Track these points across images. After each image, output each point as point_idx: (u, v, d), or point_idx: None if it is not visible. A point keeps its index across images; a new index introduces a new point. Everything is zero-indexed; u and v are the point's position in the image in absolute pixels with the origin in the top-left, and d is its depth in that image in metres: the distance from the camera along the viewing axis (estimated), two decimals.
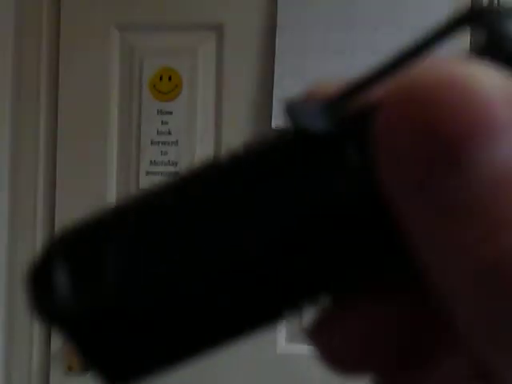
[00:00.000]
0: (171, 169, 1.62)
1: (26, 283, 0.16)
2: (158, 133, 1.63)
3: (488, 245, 0.13)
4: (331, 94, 0.17)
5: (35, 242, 1.65)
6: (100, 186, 1.64)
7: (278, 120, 1.55)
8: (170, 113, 1.63)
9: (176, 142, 1.62)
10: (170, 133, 1.62)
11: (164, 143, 1.62)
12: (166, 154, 1.62)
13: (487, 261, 0.13)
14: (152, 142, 1.63)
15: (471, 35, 0.16)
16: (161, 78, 1.63)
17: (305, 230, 0.15)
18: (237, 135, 1.60)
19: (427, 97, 0.14)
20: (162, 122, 1.63)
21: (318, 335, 0.16)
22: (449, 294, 0.14)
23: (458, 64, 0.14)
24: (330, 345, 0.16)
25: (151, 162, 1.62)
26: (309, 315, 0.17)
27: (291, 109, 0.18)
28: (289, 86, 1.56)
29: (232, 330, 0.16)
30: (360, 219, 0.15)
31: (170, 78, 1.63)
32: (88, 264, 0.16)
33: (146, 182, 1.63)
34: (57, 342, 1.64)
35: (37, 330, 1.65)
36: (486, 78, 0.14)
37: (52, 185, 1.66)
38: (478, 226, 0.13)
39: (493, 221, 0.13)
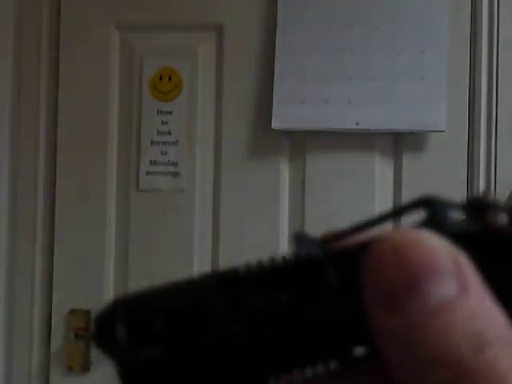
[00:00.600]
0: (171, 169, 1.62)
1: (94, 330, 0.22)
2: (158, 133, 1.62)
3: (431, 374, 0.20)
4: (327, 236, 0.25)
5: (35, 242, 1.65)
6: (100, 185, 1.64)
7: (278, 120, 1.55)
8: (170, 113, 1.63)
9: (176, 142, 1.62)
10: (170, 133, 1.62)
11: (164, 143, 1.62)
12: (165, 153, 1.62)
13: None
14: (152, 142, 1.63)
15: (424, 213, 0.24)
16: (161, 78, 1.63)
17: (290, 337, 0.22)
18: (237, 135, 1.60)
19: (400, 252, 0.21)
20: (161, 122, 1.63)
21: None
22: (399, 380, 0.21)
23: (417, 231, 0.22)
24: None
25: (151, 161, 1.62)
26: None
27: (298, 238, 0.24)
28: (289, 85, 1.56)
29: None
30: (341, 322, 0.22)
31: (169, 78, 1.63)
32: (141, 324, 0.22)
33: (146, 182, 1.63)
34: (57, 341, 1.64)
35: (37, 330, 1.65)
36: (436, 241, 0.21)
37: (52, 185, 1.66)
38: (422, 356, 0.20)
39: (430, 354, 0.20)
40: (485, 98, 1.55)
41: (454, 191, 1.55)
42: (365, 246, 0.22)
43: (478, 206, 0.23)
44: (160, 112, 1.63)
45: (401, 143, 1.57)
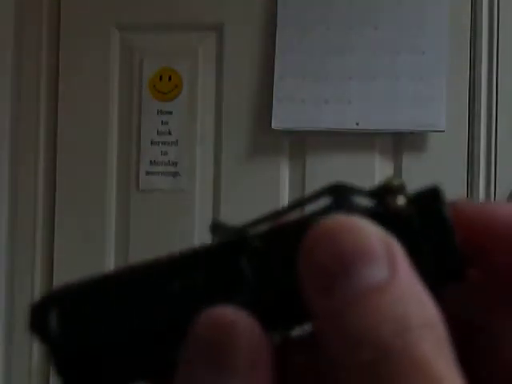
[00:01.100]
0: (171, 169, 1.62)
1: (28, 318, 0.24)
2: (158, 133, 1.62)
3: (353, 355, 0.21)
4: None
5: (35, 242, 1.65)
6: (100, 185, 1.64)
7: (278, 120, 1.55)
8: (170, 113, 1.63)
9: (176, 142, 1.62)
10: (170, 133, 1.62)
11: (164, 143, 1.62)
12: (165, 154, 1.62)
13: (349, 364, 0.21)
14: (152, 142, 1.63)
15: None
16: (161, 78, 1.63)
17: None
18: (237, 135, 1.60)
19: (333, 235, 0.22)
20: (161, 122, 1.63)
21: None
22: (326, 350, 0.21)
23: (350, 217, 0.22)
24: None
25: (151, 161, 1.62)
26: None
27: (214, 226, 0.25)
28: (289, 85, 1.56)
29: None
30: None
31: (169, 78, 1.63)
32: (70, 313, 0.24)
33: (146, 182, 1.63)
34: None
35: None
36: (369, 225, 0.22)
37: (52, 185, 1.66)
38: (347, 338, 0.21)
39: (354, 336, 0.21)
40: (485, 98, 1.55)
41: (454, 191, 1.55)
42: (278, 231, 0.24)
43: (382, 191, 0.25)
44: (160, 112, 1.63)
45: (401, 143, 1.57)
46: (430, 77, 1.53)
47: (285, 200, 1.59)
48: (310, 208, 0.25)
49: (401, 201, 0.25)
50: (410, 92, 1.53)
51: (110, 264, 1.63)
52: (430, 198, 0.25)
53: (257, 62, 1.60)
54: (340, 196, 0.25)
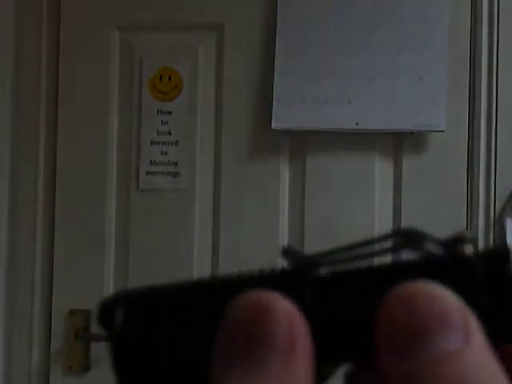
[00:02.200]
0: (171, 169, 1.62)
1: (97, 313, 0.26)
2: (158, 133, 1.62)
3: None
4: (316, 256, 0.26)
5: (35, 242, 1.65)
6: (100, 185, 1.64)
7: (278, 120, 1.55)
8: (170, 113, 1.63)
9: (176, 142, 1.62)
10: (170, 133, 1.62)
11: (164, 143, 1.62)
12: (165, 154, 1.62)
13: None
14: (152, 142, 1.63)
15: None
16: (161, 78, 1.63)
17: None
18: (237, 135, 1.60)
19: (412, 302, 0.22)
20: (161, 122, 1.63)
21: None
22: None
23: (429, 283, 0.23)
24: None
25: (151, 161, 1.62)
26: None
27: (286, 251, 0.26)
28: (289, 85, 1.56)
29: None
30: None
31: (169, 78, 1.63)
32: (135, 313, 0.26)
33: (146, 182, 1.63)
34: (57, 341, 1.64)
35: (37, 330, 1.65)
36: (446, 293, 0.22)
37: (52, 185, 1.66)
38: None
39: None
40: (485, 98, 1.55)
41: (454, 191, 1.55)
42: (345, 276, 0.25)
43: (453, 241, 0.25)
44: (160, 112, 1.63)
45: (401, 143, 1.57)
46: (430, 77, 1.53)
47: (285, 200, 1.59)
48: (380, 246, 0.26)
49: (469, 252, 0.25)
50: (410, 92, 1.53)
51: (109, 264, 1.63)
52: (500, 256, 0.25)
53: (257, 62, 1.60)
54: (410, 241, 0.26)
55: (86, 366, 1.63)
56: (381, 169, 1.57)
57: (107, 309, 0.26)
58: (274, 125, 1.55)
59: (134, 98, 1.64)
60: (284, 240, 1.58)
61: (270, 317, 0.22)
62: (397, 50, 1.54)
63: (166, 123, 1.63)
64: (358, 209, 1.56)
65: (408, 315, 0.22)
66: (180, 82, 1.63)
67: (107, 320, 0.26)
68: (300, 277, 0.25)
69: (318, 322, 0.24)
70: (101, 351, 1.63)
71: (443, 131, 1.52)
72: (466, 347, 0.22)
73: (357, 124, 1.54)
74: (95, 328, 1.63)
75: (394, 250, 0.26)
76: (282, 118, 1.55)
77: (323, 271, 0.25)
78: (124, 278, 1.63)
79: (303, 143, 1.59)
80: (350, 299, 0.24)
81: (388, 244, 0.26)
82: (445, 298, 0.22)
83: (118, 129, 1.65)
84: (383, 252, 0.26)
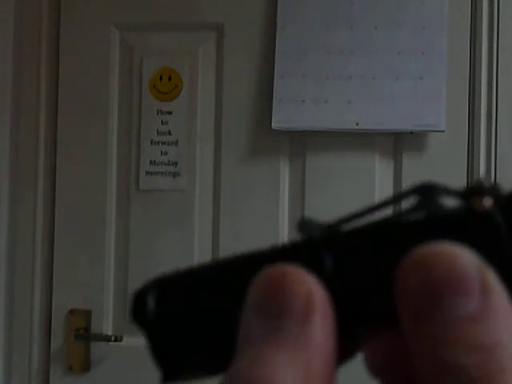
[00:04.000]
0: (171, 169, 1.62)
1: (131, 299, 0.26)
2: (158, 133, 1.63)
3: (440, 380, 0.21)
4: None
5: (35, 242, 1.65)
6: (100, 185, 1.64)
7: (278, 120, 1.55)
8: (170, 113, 1.63)
9: (176, 142, 1.62)
10: (170, 133, 1.62)
11: (164, 143, 1.62)
12: (165, 153, 1.62)
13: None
14: (152, 142, 1.63)
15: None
16: (161, 78, 1.63)
17: None
18: (237, 135, 1.60)
19: (430, 264, 0.22)
20: (162, 121, 1.63)
21: (366, 350, 0.25)
22: (414, 354, 0.22)
23: (447, 245, 0.23)
24: (370, 356, 0.25)
25: (151, 161, 1.62)
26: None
27: (302, 223, 0.25)
28: (289, 85, 1.56)
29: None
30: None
31: (169, 78, 1.63)
32: (165, 300, 0.26)
33: (146, 182, 1.63)
34: (57, 341, 1.64)
35: (37, 330, 1.65)
36: (465, 255, 0.22)
37: (52, 185, 1.66)
38: (436, 363, 0.22)
39: (442, 363, 0.21)
40: (485, 98, 1.55)
41: None
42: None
43: (470, 192, 0.24)
44: (160, 112, 1.63)
45: (401, 143, 1.57)
46: (430, 77, 1.53)
47: (285, 200, 1.59)
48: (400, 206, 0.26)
49: (488, 202, 0.24)
50: (410, 92, 1.53)
51: (109, 264, 1.63)
52: None
53: (257, 62, 1.60)
54: (428, 196, 0.25)
55: (86, 366, 1.63)
56: (381, 169, 1.57)
57: (139, 299, 0.26)
58: (273, 125, 1.55)
59: (134, 98, 1.64)
60: (284, 239, 1.58)
61: (286, 287, 0.23)
62: (397, 50, 1.54)
63: (166, 123, 1.63)
64: (358, 209, 1.56)
65: (424, 279, 0.22)
66: (180, 82, 1.63)
67: (139, 309, 0.26)
68: (318, 247, 0.25)
69: (339, 289, 0.24)
70: (101, 351, 1.63)
71: (443, 131, 1.52)
72: (486, 308, 0.22)
73: (357, 124, 1.54)
74: (95, 328, 1.63)
75: (412, 208, 0.25)
76: (282, 118, 1.55)
77: (341, 238, 0.25)
78: (124, 278, 1.63)
79: (303, 143, 1.59)
80: (368, 264, 0.24)
81: (407, 202, 0.26)
82: (462, 258, 0.22)
83: (118, 129, 1.65)
84: (401, 213, 0.25)
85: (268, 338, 0.22)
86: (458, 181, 1.54)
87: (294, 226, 0.25)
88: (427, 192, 0.25)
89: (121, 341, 1.61)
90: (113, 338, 1.61)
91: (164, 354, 0.26)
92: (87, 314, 1.62)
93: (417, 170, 1.56)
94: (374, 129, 1.54)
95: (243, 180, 1.60)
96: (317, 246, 0.25)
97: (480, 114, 1.55)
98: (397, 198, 0.26)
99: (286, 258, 0.24)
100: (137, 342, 1.62)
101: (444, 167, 1.55)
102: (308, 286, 0.23)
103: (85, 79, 1.64)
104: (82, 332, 1.62)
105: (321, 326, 0.22)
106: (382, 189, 1.56)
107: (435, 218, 0.24)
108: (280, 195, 1.59)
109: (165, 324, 0.26)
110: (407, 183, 1.56)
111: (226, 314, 0.25)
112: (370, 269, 0.24)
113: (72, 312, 1.63)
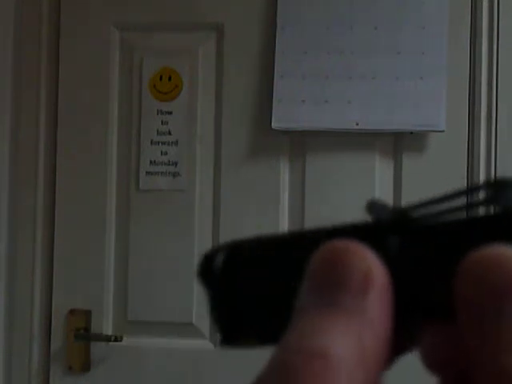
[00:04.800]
0: (171, 169, 1.62)
1: (200, 257, 0.27)
2: (158, 133, 1.63)
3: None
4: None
5: (35, 242, 1.65)
6: (100, 185, 1.64)
7: (278, 120, 1.55)
8: (170, 113, 1.63)
9: (176, 142, 1.62)
10: (170, 133, 1.62)
11: (164, 143, 1.62)
12: (165, 153, 1.62)
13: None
14: (152, 142, 1.63)
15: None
16: (161, 78, 1.63)
17: None
18: (237, 135, 1.60)
19: (486, 270, 0.22)
20: (162, 121, 1.63)
21: (423, 345, 0.25)
22: (470, 349, 0.22)
23: (506, 248, 0.22)
24: (427, 351, 0.25)
25: (151, 161, 1.62)
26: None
27: (371, 205, 0.26)
28: (289, 85, 1.56)
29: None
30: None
31: (169, 78, 1.63)
32: (233, 262, 0.27)
33: (146, 182, 1.63)
34: (57, 341, 1.64)
35: (37, 330, 1.65)
36: None
37: (52, 185, 1.66)
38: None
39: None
40: (485, 98, 1.55)
41: None
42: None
43: None
44: (160, 112, 1.63)
45: (401, 143, 1.57)
46: (430, 77, 1.53)
47: (285, 200, 1.59)
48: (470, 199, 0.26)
49: None
50: (410, 92, 1.53)
51: (110, 264, 1.63)
52: None
53: (257, 62, 1.60)
54: (499, 191, 0.25)
55: (86, 366, 1.63)
56: (381, 169, 1.57)
57: (208, 258, 0.27)
58: (273, 125, 1.55)
59: (134, 97, 1.64)
60: None
61: (347, 260, 0.23)
62: (397, 50, 1.54)
63: (166, 123, 1.63)
64: (358, 209, 1.56)
65: (488, 282, 0.22)
66: (180, 82, 1.63)
67: (208, 268, 0.27)
68: (384, 229, 0.25)
69: (400, 275, 0.23)
70: (101, 351, 1.63)
71: (443, 131, 1.52)
72: None
73: (357, 124, 1.54)
74: (95, 328, 1.63)
75: (484, 202, 0.25)
76: (282, 118, 1.55)
77: (409, 224, 0.25)
78: (124, 278, 1.63)
79: (303, 143, 1.59)
80: (433, 255, 0.24)
81: (479, 195, 0.25)
82: None
83: (118, 129, 1.65)
84: (473, 205, 0.25)
85: (323, 309, 0.22)
86: (458, 181, 1.54)
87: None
88: (501, 188, 0.25)
89: (121, 341, 1.61)
90: (113, 338, 1.61)
91: (224, 316, 0.26)
92: (87, 313, 1.62)
93: (417, 170, 1.56)
94: (374, 129, 1.54)
95: (243, 180, 1.60)
96: (384, 228, 0.25)
97: (480, 114, 1.55)
98: (470, 190, 0.26)
99: (352, 236, 0.24)
100: (137, 342, 1.62)
101: (444, 167, 1.55)
102: (369, 262, 0.23)
103: (85, 79, 1.64)
104: (82, 332, 1.62)
105: (378, 303, 0.22)
106: (382, 189, 1.56)
107: (507, 215, 0.24)
108: (280, 195, 1.59)
109: (229, 284, 0.26)
110: (407, 183, 1.56)
111: (287, 285, 0.25)
112: (435, 260, 0.24)
113: (72, 312, 1.63)
